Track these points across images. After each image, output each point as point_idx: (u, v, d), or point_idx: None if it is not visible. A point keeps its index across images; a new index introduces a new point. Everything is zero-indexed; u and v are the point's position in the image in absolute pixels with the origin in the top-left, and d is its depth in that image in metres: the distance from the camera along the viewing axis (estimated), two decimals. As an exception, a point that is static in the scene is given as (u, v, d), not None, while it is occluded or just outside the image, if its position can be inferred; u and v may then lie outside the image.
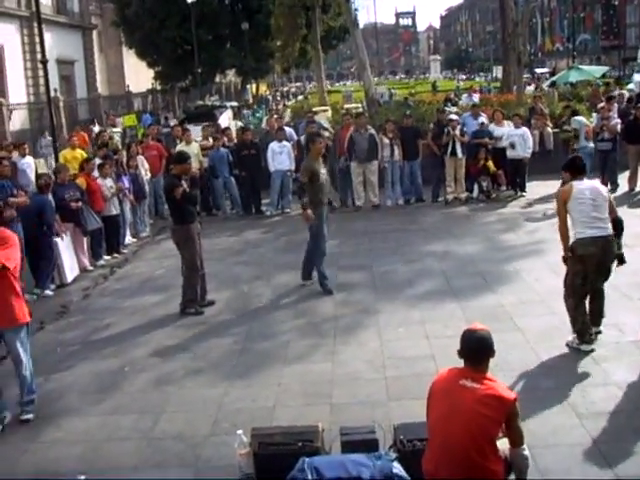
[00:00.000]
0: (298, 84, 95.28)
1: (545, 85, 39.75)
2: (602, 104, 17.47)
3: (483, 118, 16.66)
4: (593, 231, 7.33)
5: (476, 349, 4.45)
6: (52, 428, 6.57)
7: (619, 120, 16.30)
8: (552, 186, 15.87)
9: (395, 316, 8.89)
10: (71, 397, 7.26)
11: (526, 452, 4.52)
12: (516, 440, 4.46)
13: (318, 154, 10.29)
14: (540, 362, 7.23)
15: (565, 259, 7.67)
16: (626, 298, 8.95)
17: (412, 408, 5.88)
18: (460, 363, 4.54)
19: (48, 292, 11.09)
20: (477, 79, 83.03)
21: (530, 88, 36.66)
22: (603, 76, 39.78)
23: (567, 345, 7.52)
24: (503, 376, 5.98)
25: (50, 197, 11.34)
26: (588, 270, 7.44)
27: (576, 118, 15.87)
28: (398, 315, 8.92)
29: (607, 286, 9.33)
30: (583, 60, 71.06)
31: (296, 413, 6.43)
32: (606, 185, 15.30)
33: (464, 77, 71.86)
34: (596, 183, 7.95)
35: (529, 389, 6.52)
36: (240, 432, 5.33)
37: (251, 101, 54.07)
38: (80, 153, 16.53)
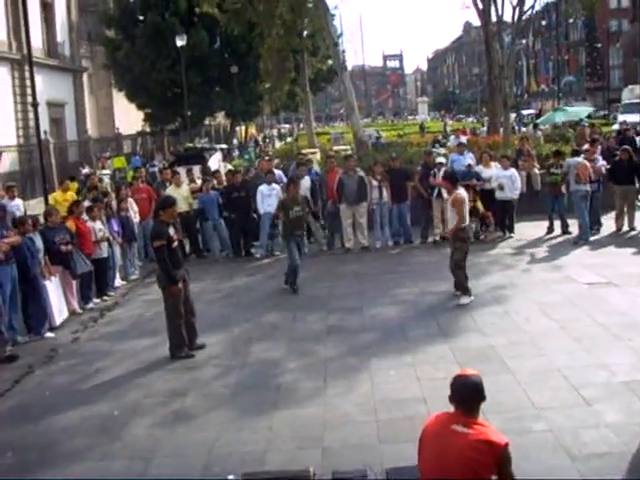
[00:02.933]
0: (287, 126, 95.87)
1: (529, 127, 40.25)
2: (587, 146, 17.66)
3: (470, 160, 16.74)
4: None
5: (467, 395, 4.44)
6: (41, 475, 6.49)
7: (604, 162, 16.47)
8: (540, 227, 16.06)
9: (386, 358, 8.88)
10: (61, 442, 7.20)
11: (519, 498, 4.49)
12: (508, 486, 4.43)
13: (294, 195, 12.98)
14: (531, 403, 7.23)
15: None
16: (616, 338, 8.98)
17: (404, 451, 5.86)
18: (452, 407, 4.54)
19: (49, 334, 11.05)
20: (468, 120, 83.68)
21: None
22: (589, 117, 40.30)
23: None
24: (494, 418, 5.99)
25: (35, 238, 11.31)
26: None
27: (568, 160, 15.62)
28: (389, 357, 8.91)
29: (597, 326, 9.44)
30: (568, 101, 71.91)
31: (287, 457, 6.40)
32: (592, 226, 15.49)
33: (449, 121, 72.07)
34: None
35: (521, 431, 6.51)
36: (231, 477, 5.30)
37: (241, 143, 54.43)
38: (71, 195, 16.57)
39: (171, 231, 9.48)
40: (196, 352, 9.60)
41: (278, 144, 58.03)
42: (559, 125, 35.89)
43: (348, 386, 8.12)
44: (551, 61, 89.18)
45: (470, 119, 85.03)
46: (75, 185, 18.65)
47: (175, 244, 9.57)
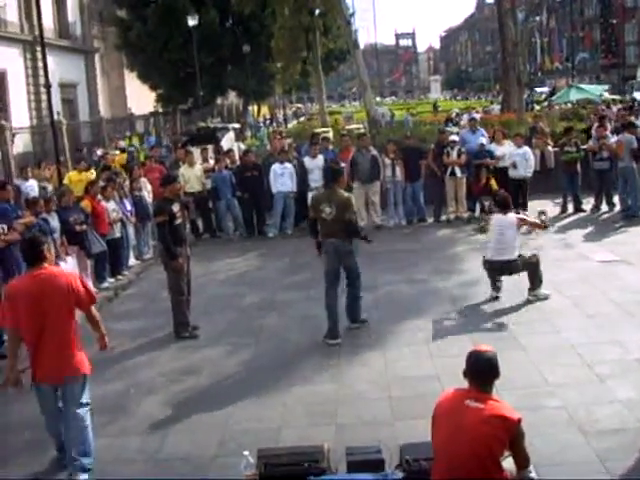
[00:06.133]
0: (299, 105, 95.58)
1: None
2: (597, 124, 17.53)
3: (483, 139, 16.60)
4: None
5: (482, 370, 4.46)
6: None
7: (617, 138, 16.34)
8: (553, 205, 15.98)
9: (399, 336, 8.91)
10: (77, 419, 7.25)
11: (533, 474, 4.49)
12: (522, 462, 4.43)
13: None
14: (545, 380, 7.25)
15: None
16: (630, 316, 8.97)
17: (417, 428, 5.88)
18: (465, 383, 4.56)
19: None
20: (481, 98, 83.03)
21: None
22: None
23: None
24: (508, 395, 5.99)
25: (51, 218, 11.36)
26: None
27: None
28: (402, 335, 8.94)
29: (610, 304, 9.42)
30: (582, 79, 71.27)
31: (302, 433, 6.44)
32: (598, 206, 15.46)
33: (459, 98, 71.23)
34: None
35: (534, 407, 6.52)
36: (246, 453, 5.32)
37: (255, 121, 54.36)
38: (86, 175, 16.59)
39: (174, 208, 9.47)
40: (198, 332, 9.62)
41: (291, 123, 57.98)
42: (575, 103, 35.60)
43: (361, 363, 8.16)
44: (565, 38, 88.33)
45: (482, 97, 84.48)
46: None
47: (178, 221, 9.53)
